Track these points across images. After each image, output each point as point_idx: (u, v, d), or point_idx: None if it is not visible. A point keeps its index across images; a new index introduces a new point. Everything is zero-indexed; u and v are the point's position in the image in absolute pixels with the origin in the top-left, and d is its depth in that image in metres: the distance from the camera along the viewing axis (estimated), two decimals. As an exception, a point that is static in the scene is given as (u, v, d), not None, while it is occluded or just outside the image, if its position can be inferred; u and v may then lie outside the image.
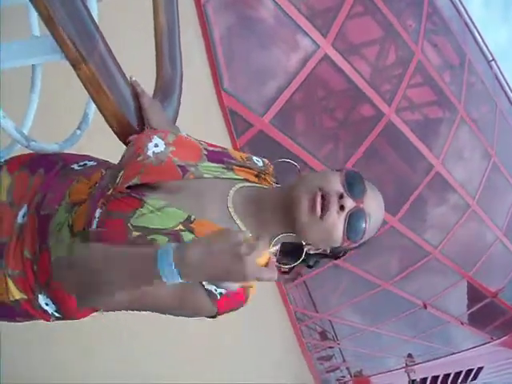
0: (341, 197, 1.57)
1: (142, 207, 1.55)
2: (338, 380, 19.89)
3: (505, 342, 17.12)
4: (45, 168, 1.94)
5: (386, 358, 18.45)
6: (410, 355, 18.33)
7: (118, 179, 1.61)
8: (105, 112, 1.69)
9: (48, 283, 1.72)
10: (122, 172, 1.63)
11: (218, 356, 7.99)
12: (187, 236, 1.55)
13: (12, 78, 2.52)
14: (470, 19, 12.43)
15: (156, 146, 1.66)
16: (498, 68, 13.55)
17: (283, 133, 8.61)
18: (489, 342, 17.10)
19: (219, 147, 1.86)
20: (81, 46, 1.48)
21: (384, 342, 16.60)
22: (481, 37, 12.84)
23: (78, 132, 2.19)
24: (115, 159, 1.87)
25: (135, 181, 1.59)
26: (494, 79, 13.65)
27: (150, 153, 1.64)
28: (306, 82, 8.67)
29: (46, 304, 1.79)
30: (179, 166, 1.66)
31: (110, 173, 1.73)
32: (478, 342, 17.18)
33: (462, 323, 15.78)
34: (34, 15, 2.42)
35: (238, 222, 1.65)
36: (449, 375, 20.94)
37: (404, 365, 18.72)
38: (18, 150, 2.12)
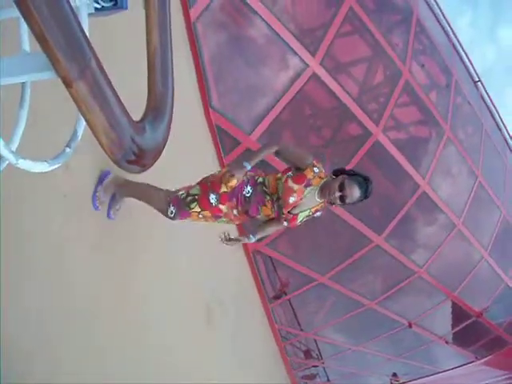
0: (335, 190, 4.31)
1: (298, 217, 4.56)
2: (321, 399, 19.80)
3: (489, 361, 17.13)
4: (235, 198, 4.57)
5: (370, 376, 18.39)
6: (394, 374, 18.26)
7: (283, 209, 4.49)
8: (95, 129, 1.65)
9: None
10: (284, 209, 4.49)
11: (202, 373, 7.93)
12: (311, 215, 4.65)
13: (0, 93, 2.49)
14: (457, 40, 12.51)
15: (292, 199, 4.44)
16: (484, 89, 13.64)
17: (270, 151, 8.61)
18: (473, 362, 17.09)
19: (305, 178, 4.44)
20: (73, 64, 1.46)
21: (369, 360, 16.57)
22: (467, 57, 12.91)
23: (68, 150, 2.16)
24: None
25: (289, 210, 4.50)
26: (480, 100, 13.74)
27: (290, 202, 4.44)
28: (294, 101, 8.69)
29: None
30: (300, 198, 4.45)
31: (277, 206, 4.54)
32: (462, 361, 17.17)
33: (446, 342, 15.77)
34: (25, 30, 2.40)
35: (320, 201, 4.49)
36: (433, 394, 20.90)
37: (388, 384, 18.68)
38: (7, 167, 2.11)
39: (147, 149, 1.96)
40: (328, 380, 18.15)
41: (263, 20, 7.97)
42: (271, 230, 5.00)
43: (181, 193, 4.72)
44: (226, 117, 8.25)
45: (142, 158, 1.95)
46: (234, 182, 4.38)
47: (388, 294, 12.56)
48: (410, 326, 13.79)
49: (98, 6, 2.23)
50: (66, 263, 4.24)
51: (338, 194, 4.32)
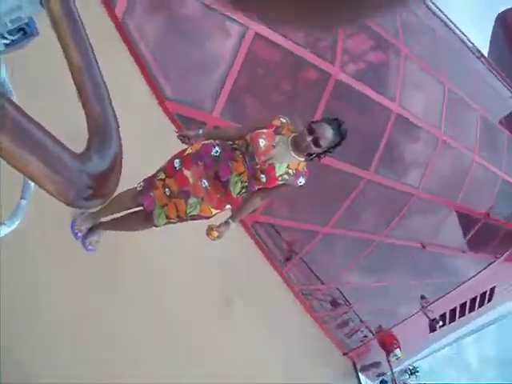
0: (306, 136, 4.26)
1: (276, 167, 4.28)
2: (361, 341, 19.89)
3: (509, 257, 17.25)
4: (201, 161, 4.42)
5: (400, 306, 18.49)
6: (422, 297, 18.37)
7: (256, 160, 4.29)
8: (37, 181, 1.47)
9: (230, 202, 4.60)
10: (256, 157, 4.29)
11: (238, 351, 7.90)
12: (292, 175, 4.38)
13: None
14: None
15: (262, 142, 4.32)
16: (426, -4, 13.48)
17: (236, 121, 8.49)
18: (494, 261, 17.20)
19: (273, 125, 4.45)
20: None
21: (394, 292, 16.63)
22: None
23: (23, 201, 2.02)
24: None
25: (263, 158, 4.27)
26: (425, 8, 13.59)
27: (261, 145, 4.32)
28: (245, 65, 8.55)
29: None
30: (272, 145, 4.34)
31: (248, 157, 4.33)
32: (483, 264, 17.28)
33: (463, 252, 15.83)
34: None
35: (297, 158, 4.40)
36: (465, 304, 21.06)
37: (420, 307, 18.78)
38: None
39: (101, 176, 1.79)
40: (361, 321, 18.25)
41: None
42: (249, 206, 4.62)
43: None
44: (183, 103, 8.09)
45: (100, 188, 1.78)
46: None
47: (393, 223, 12.54)
48: (423, 247, 13.80)
49: (7, 42, 2.07)
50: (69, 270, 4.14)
51: (309, 138, 4.22)
